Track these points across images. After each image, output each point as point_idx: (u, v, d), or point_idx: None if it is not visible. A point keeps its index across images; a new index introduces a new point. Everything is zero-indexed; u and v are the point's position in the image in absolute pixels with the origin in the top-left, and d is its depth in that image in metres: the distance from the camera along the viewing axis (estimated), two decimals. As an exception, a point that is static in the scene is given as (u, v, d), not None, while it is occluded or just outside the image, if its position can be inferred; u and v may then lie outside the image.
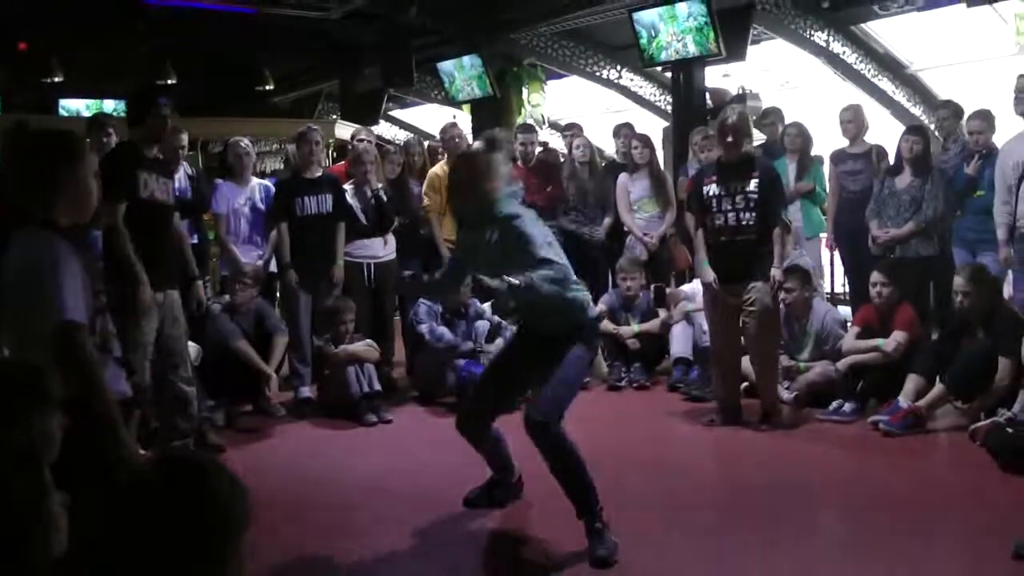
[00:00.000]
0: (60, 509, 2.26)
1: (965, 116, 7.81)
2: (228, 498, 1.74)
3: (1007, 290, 7.15)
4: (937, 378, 6.32)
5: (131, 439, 3.01)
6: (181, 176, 7.46)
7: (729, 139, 6.35)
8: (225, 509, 1.73)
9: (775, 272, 6.27)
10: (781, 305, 6.81)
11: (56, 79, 14.87)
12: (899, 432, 6.11)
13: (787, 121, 8.86)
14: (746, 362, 6.80)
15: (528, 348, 4.67)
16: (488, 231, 4.45)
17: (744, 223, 6.31)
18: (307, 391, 7.36)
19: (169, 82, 14.65)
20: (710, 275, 6.48)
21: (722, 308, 6.49)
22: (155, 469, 1.78)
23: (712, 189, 6.39)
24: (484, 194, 4.45)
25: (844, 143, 8.27)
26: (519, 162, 8.76)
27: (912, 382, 6.34)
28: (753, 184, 6.28)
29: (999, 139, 7.36)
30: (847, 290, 9.15)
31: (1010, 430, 5.57)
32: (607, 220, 8.69)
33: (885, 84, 12.41)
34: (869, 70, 12.20)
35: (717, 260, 6.44)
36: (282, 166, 11.31)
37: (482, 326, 7.48)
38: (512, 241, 4.34)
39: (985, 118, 7.34)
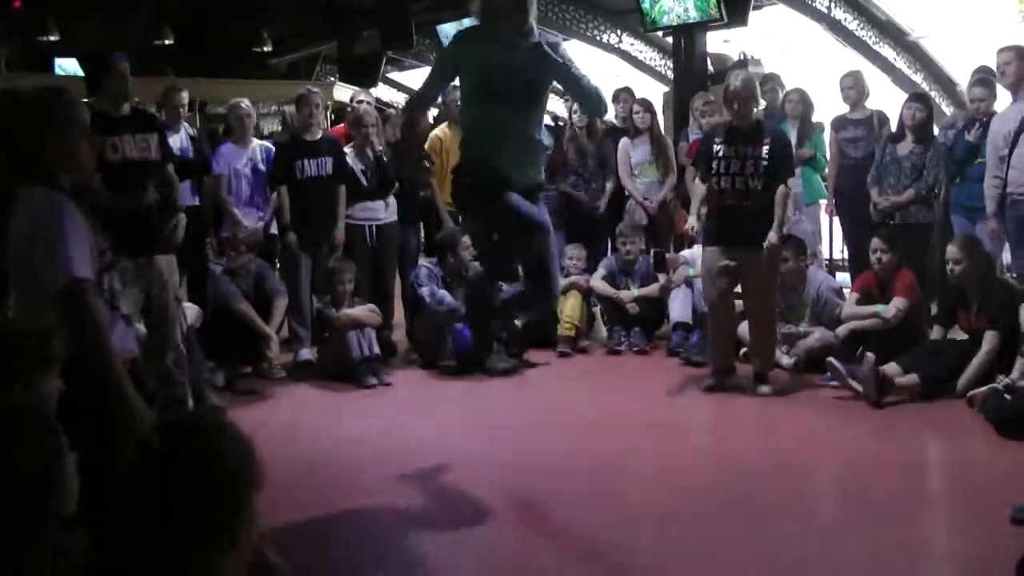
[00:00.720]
0: (74, 470, 2.27)
1: (967, 83, 7.83)
2: (236, 459, 1.75)
3: (1005, 257, 7.17)
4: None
5: (138, 399, 3.00)
6: (182, 136, 7.44)
7: (735, 106, 6.34)
8: (233, 470, 1.74)
9: (772, 236, 6.28)
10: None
11: (52, 38, 14.77)
12: (855, 388, 6.15)
13: (787, 87, 8.83)
14: (743, 328, 6.81)
15: None
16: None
17: (751, 188, 6.31)
18: (307, 353, 7.36)
19: (167, 43, 14.56)
20: (692, 224, 6.64)
21: (719, 271, 6.49)
22: (161, 435, 1.79)
23: (721, 150, 6.38)
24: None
25: (844, 109, 8.25)
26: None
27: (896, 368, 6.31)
28: (764, 151, 6.28)
29: (999, 106, 7.35)
30: (846, 256, 9.15)
31: (1008, 396, 5.60)
32: (609, 186, 8.64)
33: (886, 51, 12.39)
34: (870, 37, 12.18)
35: (721, 224, 6.44)
36: (279, 128, 11.27)
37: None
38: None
39: (987, 85, 7.31)
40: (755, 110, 6.50)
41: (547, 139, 4.89)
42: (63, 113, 3.20)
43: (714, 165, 6.40)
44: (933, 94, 12.55)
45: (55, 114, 3.18)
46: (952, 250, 6.37)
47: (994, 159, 6.82)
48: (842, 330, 6.80)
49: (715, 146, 6.44)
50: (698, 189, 6.64)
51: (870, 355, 6.14)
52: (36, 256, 2.99)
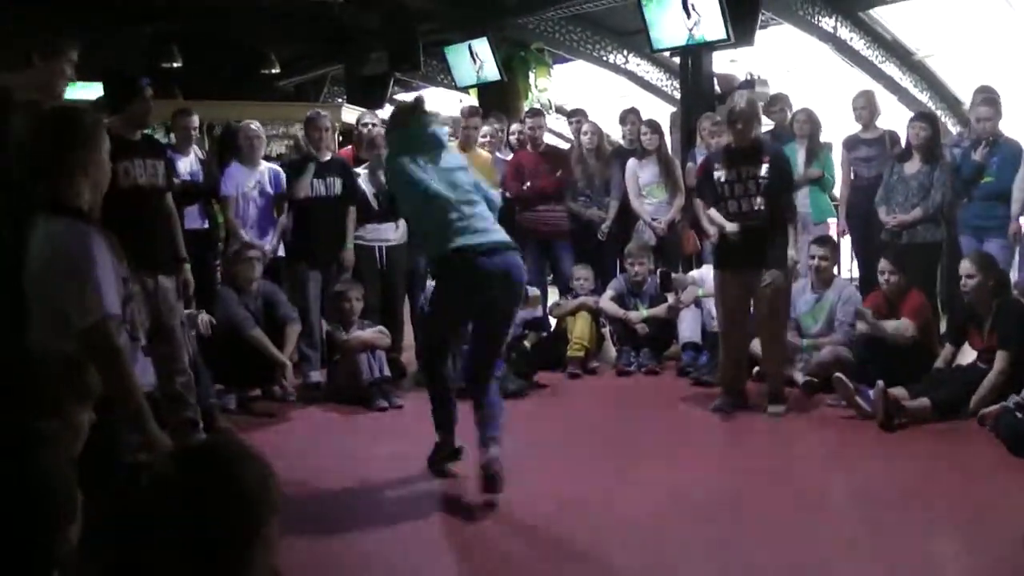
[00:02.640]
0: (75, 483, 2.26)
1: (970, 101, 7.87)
2: (254, 485, 1.74)
3: (1013, 274, 7.18)
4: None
5: (160, 433, 3.00)
6: (192, 159, 7.45)
7: (739, 126, 6.36)
8: (252, 495, 1.73)
9: (791, 253, 6.29)
10: (809, 272, 7.16)
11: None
12: (867, 410, 6.12)
13: (795, 107, 8.86)
14: (754, 346, 6.81)
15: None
16: None
17: (756, 208, 6.32)
18: (316, 376, 7.36)
19: (174, 65, 14.61)
20: (726, 225, 6.44)
21: (731, 292, 6.49)
22: (181, 459, 1.79)
23: (723, 175, 6.40)
24: None
25: (850, 129, 8.29)
26: (529, 147, 8.76)
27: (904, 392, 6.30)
28: (764, 169, 6.29)
29: (1005, 125, 7.38)
30: (856, 275, 9.15)
31: (1019, 415, 5.57)
32: (614, 204, 8.66)
33: (892, 70, 12.44)
34: (876, 56, 12.24)
35: (728, 244, 6.43)
36: (286, 150, 11.28)
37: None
38: None
39: (992, 104, 7.33)
40: (757, 130, 6.49)
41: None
42: (92, 135, 3.18)
43: (717, 190, 6.42)
44: (939, 113, 12.64)
45: (85, 136, 3.15)
46: (966, 265, 6.37)
47: None
48: (858, 335, 6.83)
49: (716, 172, 6.45)
50: (713, 214, 6.60)
51: (880, 382, 6.13)
52: (65, 290, 2.96)
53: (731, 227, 6.36)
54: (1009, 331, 6.12)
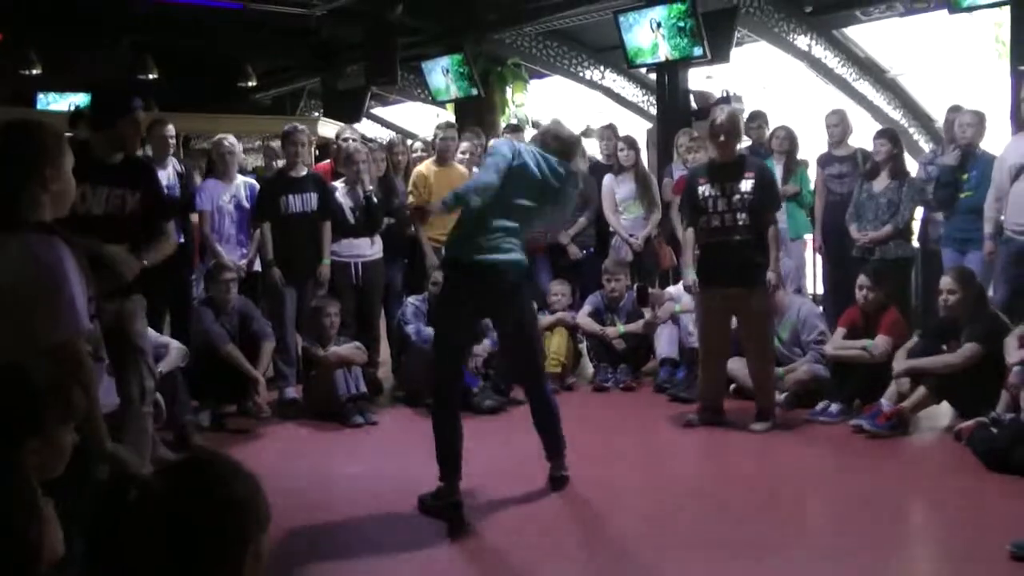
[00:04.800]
0: (53, 513, 2.24)
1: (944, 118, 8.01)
2: (244, 500, 1.73)
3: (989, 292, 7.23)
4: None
5: (127, 453, 2.95)
6: (170, 172, 7.39)
7: (721, 139, 6.38)
8: (240, 511, 1.71)
9: (771, 276, 6.29)
10: None
11: (34, 72, 14.72)
12: (885, 433, 6.15)
13: (771, 124, 8.92)
14: (733, 364, 6.82)
15: None
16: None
17: (739, 223, 6.31)
18: (292, 392, 7.32)
19: (150, 77, 14.54)
20: (691, 278, 6.52)
21: (711, 309, 6.50)
22: (169, 474, 1.77)
23: (706, 190, 6.40)
24: None
25: (825, 146, 8.37)
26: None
27: (896, 385, 6.39)
28: (748, 185, 6.28)
29: (986, 143, 7.46)
30: (821, 292, 9.23)
31: (994, 430, 5.64)
32: (583, 220, 8.66)
33: (865, 88, 12.54)
34: (850, 74, 12.33)
35: (711, 261, 6.45)
36: (262, 163, 11.24)
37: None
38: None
39: (977, 115, 7.44)
40: (738, 146, 6.51)
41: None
42: (52, 150, 3.10)
43: (700, 205, 6.43)
44: (912, 130, 12.75)
45: (44, 150, 3.08)
46: (947, 281, 6.42)
47: (999, 183, 6.89)
48: (829, 357, 6.86)
49: (699, 187, 6.46)
50: (688, 239, 6.65)
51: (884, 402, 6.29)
52: (39, 305, 2.91)
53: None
54: (981, 331, 6.18)
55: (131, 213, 4.79)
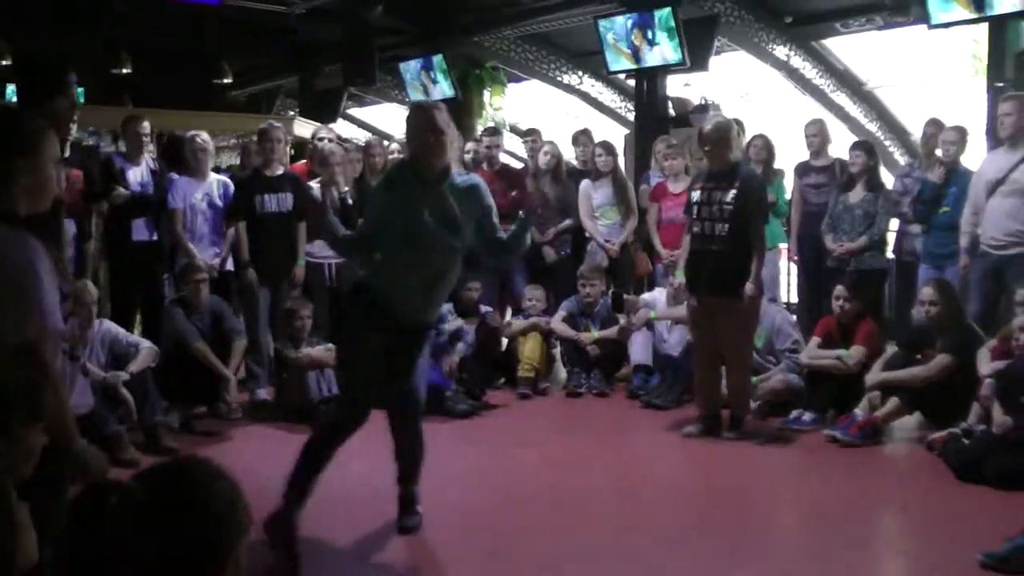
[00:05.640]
0: (28, 521, 2.19)
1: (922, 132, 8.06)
2: (224, 506, 1.70)
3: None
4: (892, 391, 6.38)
5: (95, 454, 2.88)
6: (143, 169, 7.31)
7: (706, 148, 6.38)
8: (220, 517, 1.68)
9: (748, 287, 6.23)
10: None
11: (4, 63, 14.54)
12: (858, 443, 6.16)
13: (747, 132, 8.93)
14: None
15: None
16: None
17: (717, 233, 6.28)
18: (263, 393, 7.27)
19: (124, 71, 14.42)
20: (678, 280, 6.55)
21: (697, 316, 6.49)
22: (148, 479, 1.73)
23: (696, 196, 6.40)
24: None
25: (802, 156, 8.39)
26: (484, 166, 8.72)
27: (870, 395, 6.41)
28: (731, 195, 6.26)
29: (964, 158, 7.49)
30: (795, 301, 9.26)
31: (966, 441, 5.70)
32: (562, 224, 8.64)
33: (843, 100, 12.60)
34: (828, 85, 12.38)
35: (693, 267, 6.46)
36: (238, 161, 11.16)
37: (444, 329, 7.41)
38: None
39: (959, 132, 7.47)
40: (730, 154, 6.43)
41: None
42: (30, 140, 3.00)
43: (690, 211, 6.45)
44: (888, 143, 12.81)
45: (20, 141, 2.94)
46: (928, 292, 6.45)
47: (977, 198, 6.93)
48: (804, 366, 6.88)
49: (693, 193, 6.47)
50: (684, 243, 6.68)
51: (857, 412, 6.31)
52: (4, 302, 2.78)
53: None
54: (956, 342, 6.22)
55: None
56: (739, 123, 8.99)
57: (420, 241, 4.32)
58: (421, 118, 4.40)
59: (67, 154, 5.78)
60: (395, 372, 4.53)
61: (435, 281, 4.45)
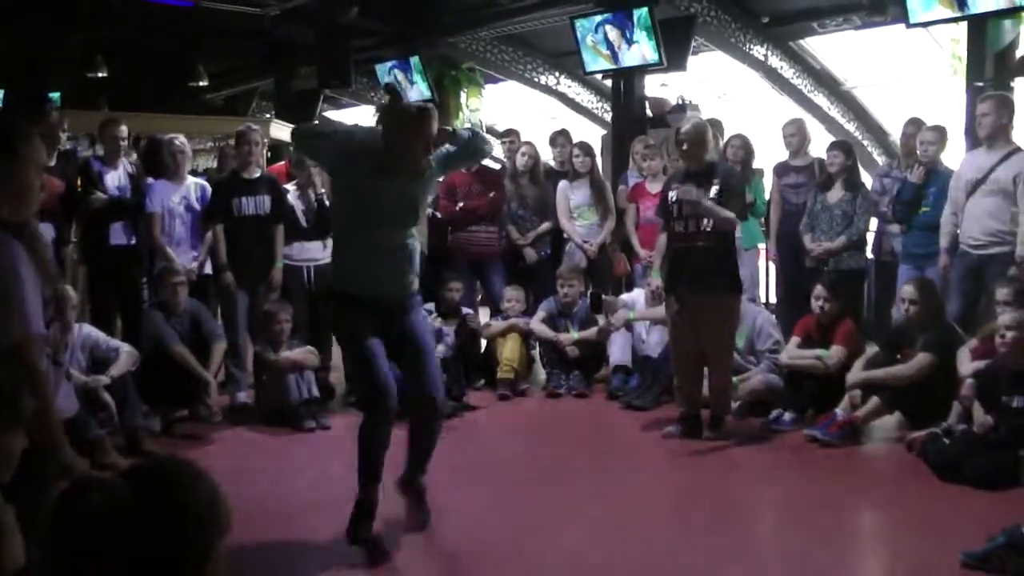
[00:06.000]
0: (14, 523, 2.17)
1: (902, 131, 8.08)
2: (204, 505, 1.70)
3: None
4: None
5: (78, 459, 2.86)
6: (121, 173, 7.28)
7: (684, 147, 6.36)
8: (200, 516, 1.68)
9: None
10: None
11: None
12: (837, 443, 6.18)
13: (725, 133, 8.94)
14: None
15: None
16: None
17: (702, 229, 6.26)
18: (244, 396, 7.25)
19: (100, 75, 14.32)
20: (655, 282, 6.54)
21: (678, 317, 6.46)
22: (129, 480, 1.72)
23: (675, 195, 6.38)
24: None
25: (779, 156, 8.41)
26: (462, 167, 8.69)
27: (850, 394, 6.43)
28: (713, 191, 6.25)
29: (945, 158, 7.53)
30: (773, 301, 9.28)
31: (946, 440, 5.71)
32: (544, 227, 8.64)
33: (821, 100, 12.63)
34: (805, 85, 12.41)
35: (676, 267, 6.43)
36: (215, 164, 11.10)
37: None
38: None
39: (939, 132, 7.49)
40: (706, 154, 6.43)
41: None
42: (13, 146, 3.00)
43: (669, 210, 6.42)
44: (865, 143, 12.86)
45: (12, 144, 2.94)
46: (909, 290, 6.48)
47: (955, 198, 6.96)
48: (783, 366, 6.89)
49: (670, 191, 6.45)
50: (660, 244, 6.66)
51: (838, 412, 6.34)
52: None
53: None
54: (936, 342, 6.26)
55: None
56: (716, 124, 9.04)
57: (375, 223, 4.48)
58: (416, 123, 4.46)
59: (53, 162, 5.84)
60: (409, 362, 4.64)
61: (395, 253, 4.56)
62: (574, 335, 7.96)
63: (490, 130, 13.91)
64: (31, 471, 2.56)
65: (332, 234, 4.77)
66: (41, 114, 4.81)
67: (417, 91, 13.07)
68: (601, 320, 8.04)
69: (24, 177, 2.97)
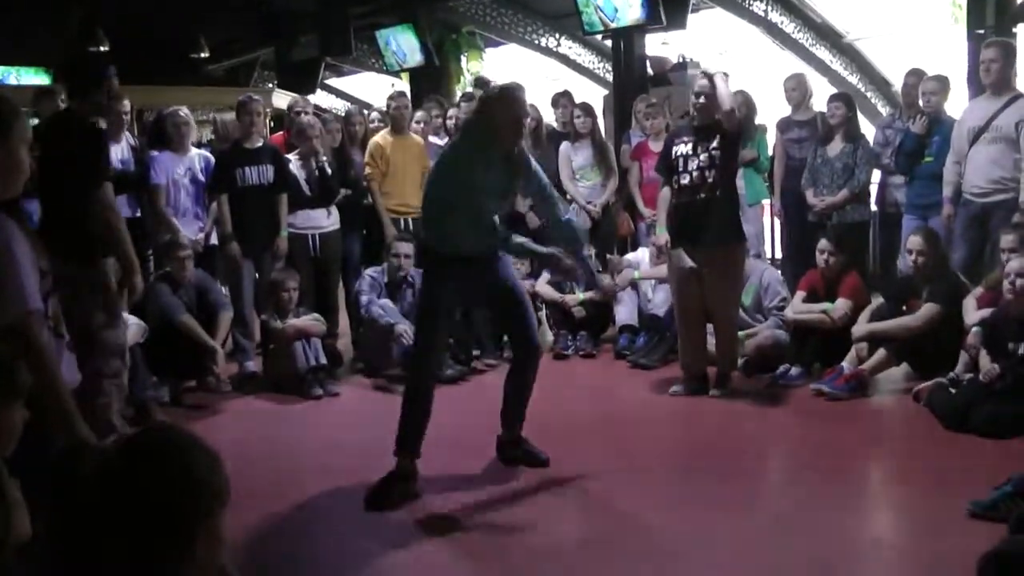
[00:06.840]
0: (19, 495, 2.20)
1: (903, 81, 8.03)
2: (200, 475, 1.71)
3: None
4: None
5: (87, 430, 2.89)
6: (123, 147, 7.28)
7: (702, 100, 6.33)
8: (198, 484, 1.70)
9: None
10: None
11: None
12: (844, 395, 6.19)
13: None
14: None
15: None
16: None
17: (708, 180, 6.25)
18: (252, 365, 7.27)
19: (101, 49, 14.29)
20: (663, 237, 6.52)
21: (682, 272, 6.44)
22: (126, 447, 1.74)
23: (681, 149, 6.37)
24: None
25: (783, 111, 8.36)
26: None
27: (856, 347, 6.44)
28: (716, 141, 6.25)
29: (948, 107, 7.49)
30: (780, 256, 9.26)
31: (952, 390, 5.72)
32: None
33: (823, 53, 12.57)
34: (807, 39, 12.35)
35: (682, 220, 6.42)
36: (214, 136, 11.08)
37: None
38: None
39: (941, 81, 7.44)
40: (717, 110, 6.39)
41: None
42: (8, 120, 3.00)
43: (673, 164, 6.40)
44: (869, 95, 12.79)
45: (4, 121, 2.95)
46: (916, 241, 6.46)
47: (959, 147, 6.93)
48: (789, 321, 6.87)
49: (674, 147, 6.43)
50: (663, 197, 6.64)
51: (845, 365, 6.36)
52: None
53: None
54: (942, 292, 6.26)
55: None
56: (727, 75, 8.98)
57: (481, 198, 4.78)
58: (520, 104, 4.92)
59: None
60: (508, 313, 5.19)
61: (491, 218, 4.89)
62: (580, 296, 7.97)
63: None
64: (36, 444, 2.58)
65: (430, 199, 5.00)
66: (101, 84, 5.05)
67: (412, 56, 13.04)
68: (606, 279, 8.03)
69: (16, 153, 2.98)
